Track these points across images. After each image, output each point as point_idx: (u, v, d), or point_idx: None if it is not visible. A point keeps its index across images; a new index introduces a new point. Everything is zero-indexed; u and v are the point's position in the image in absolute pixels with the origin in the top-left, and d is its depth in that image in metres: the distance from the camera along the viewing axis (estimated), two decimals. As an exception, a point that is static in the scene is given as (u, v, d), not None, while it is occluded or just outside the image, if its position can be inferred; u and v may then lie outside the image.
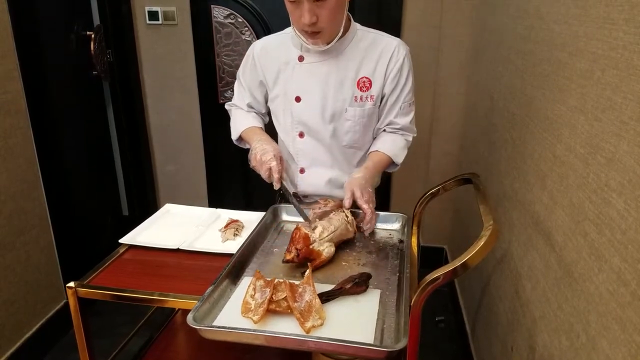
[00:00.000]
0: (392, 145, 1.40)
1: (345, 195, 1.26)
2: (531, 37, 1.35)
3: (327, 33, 1.26)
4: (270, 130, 1.48)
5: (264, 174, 1.32)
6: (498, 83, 1.74)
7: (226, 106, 1.57)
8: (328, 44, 1.29)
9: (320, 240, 1.12)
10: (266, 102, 1.50)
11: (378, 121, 1.42)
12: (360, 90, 1.35)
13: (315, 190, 1.47)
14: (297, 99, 1.38)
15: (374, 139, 1.45)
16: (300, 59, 1.36)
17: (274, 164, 1.30)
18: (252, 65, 1.44)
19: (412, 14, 2.32)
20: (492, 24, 1.92)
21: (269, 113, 1.52)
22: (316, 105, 1.37)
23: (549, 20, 1.20)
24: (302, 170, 1.47)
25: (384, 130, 1.44)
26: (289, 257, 1.09)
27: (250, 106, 1.50)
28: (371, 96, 1.36)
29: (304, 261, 1.09)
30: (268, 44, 1.43)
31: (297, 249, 1.09)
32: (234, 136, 1.49)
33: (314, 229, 1.14)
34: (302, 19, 1.20)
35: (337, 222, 1.18)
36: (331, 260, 1.16)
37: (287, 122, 1.42)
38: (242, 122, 1.47)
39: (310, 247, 1.10)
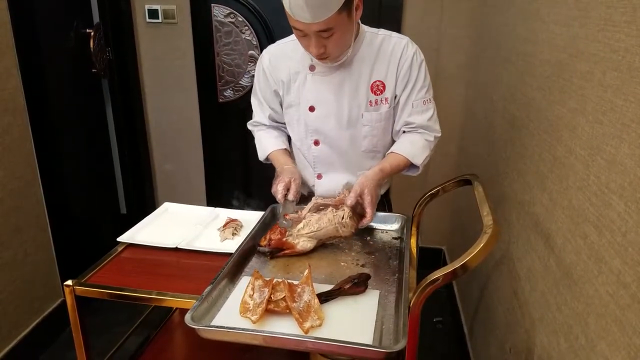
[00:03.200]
0: (410, 146, 1.35)
1: (351, 194, 1.21)
2: (531, 39, 1.35)
3: (335, 56, 1.25)
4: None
5: (279, 200, 1.31)
6: (498, 84, 1.74)
7: (248, 126, 1.56)
8: (337, 60, 1.28)
9: (297, 234, 1.18)
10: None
11: (394, 122, 1.40)
12: (375, 94, 1.34)
13: (333, 195, 1.46)
14: (311, 109, 1.37)
15: (394, 141, 1.43)
16: (312, 68, 1.35)
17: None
18: (264, 77, 1.42)
19: (412, 15, 2.32)
20: (492, 25, 1.92)
21: None
22: (331, 114, 1.35)
23: (549, 22, 1.20)
24: (319, 176, 1.47)
25: (404, 132, 1.40)
26: (262, 242, 1.20)
27: (271, 119, 1.49)
28: (385, 99, 1.34)
29: (277, 250, 1.18)
30: (275, 53, 1.41)
31: (270, 238, 1.19)
32: (261, 157, 1.49)
33: (298, 222, 1.21)
34: (310, 49, 1.20)
35: (325, 223, 1.18)
36: (330, 260, 1.17)
37: (302, 131, 1.42)
38: (267, 144, 1.47)
39: (285, 239, 1.18)
